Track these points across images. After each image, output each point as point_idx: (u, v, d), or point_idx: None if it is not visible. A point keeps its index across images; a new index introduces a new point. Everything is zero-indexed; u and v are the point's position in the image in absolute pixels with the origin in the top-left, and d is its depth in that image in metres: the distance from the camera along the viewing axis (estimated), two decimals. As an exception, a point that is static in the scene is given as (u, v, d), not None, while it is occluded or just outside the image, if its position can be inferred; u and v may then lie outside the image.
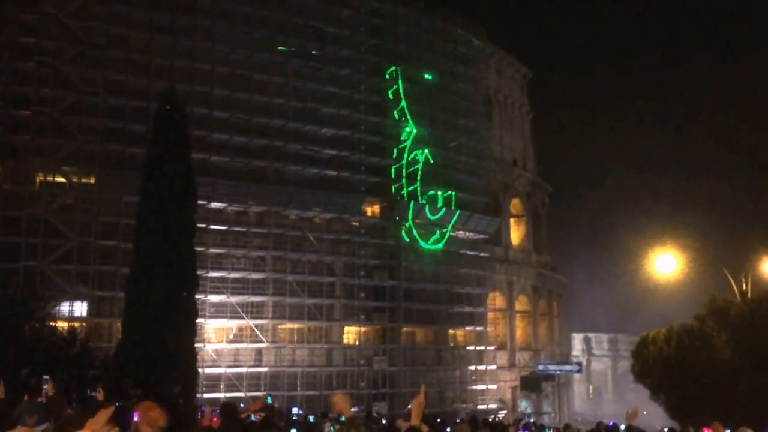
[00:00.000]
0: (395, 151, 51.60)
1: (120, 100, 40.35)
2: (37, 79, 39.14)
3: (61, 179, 40.93)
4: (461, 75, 56.44)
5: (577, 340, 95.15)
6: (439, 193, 53.55)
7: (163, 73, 40.29)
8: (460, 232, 56.26)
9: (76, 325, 37.03)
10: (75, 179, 40.85)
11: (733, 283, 32.01)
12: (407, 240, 51.99)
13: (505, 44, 66.30)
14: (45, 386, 7.99)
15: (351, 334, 51.19)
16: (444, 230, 54.03)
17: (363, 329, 51.39)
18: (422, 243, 52.74)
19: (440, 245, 53.86)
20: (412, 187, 52.22)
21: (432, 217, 53.20)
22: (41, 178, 40.56)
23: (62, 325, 34.85)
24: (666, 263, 35.85)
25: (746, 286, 31.81)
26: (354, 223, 50.56)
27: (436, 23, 55.03)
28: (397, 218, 51.81)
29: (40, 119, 38.92)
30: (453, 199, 54.15)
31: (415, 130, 52.17)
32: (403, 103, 51.90)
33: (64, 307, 38.70)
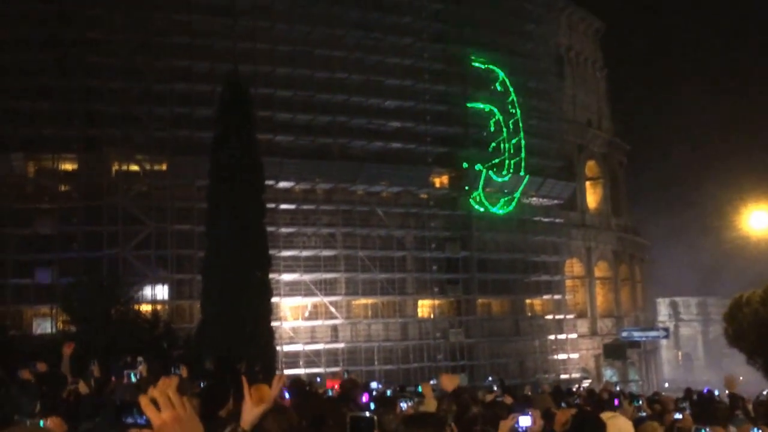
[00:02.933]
0: (462, 119, 51.22)
1: (186, 86, 41.77)
2: (107, 71, 40.86)
3: (135, 168, 42.95)
4: (530, 34, 55.16)
5: (663, 305, 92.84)
6: (509, 159, 53.04)
7: (226, 55, 41.31)
8: (534, 198, 55.58)
9: (159, 307, 39.10)
10: (148, 167, 42.78)
11: None
12: (478, 209, 51.78)
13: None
14: (139, 367, 8.76)
15: (425, 307, 51.75)
16: (513, 195, 53.57)
17: (437, 302, 51.78)
18: (491, 208, 52.37)
19: (510, 208, 53.22)
20: (480, 155, 51.86)
21: (500, 181, 52.62)
22: (117, 167, 42.70)
23: (146, 308, 36.86)
24: (760, 219, 34.66)
25: None
26: (422, 196, 50.79)
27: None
28: (467, 188, 51.63)
29: (111, 111, 40.80)
30: (523, 164, 53.54)
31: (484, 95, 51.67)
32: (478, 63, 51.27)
33: (147, 291, 40.88)
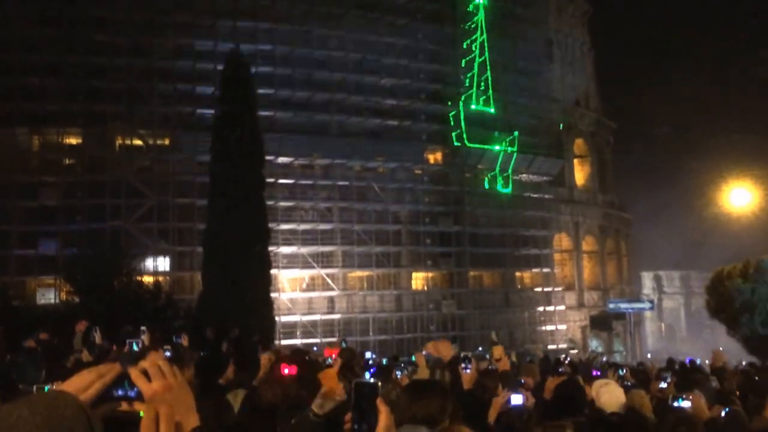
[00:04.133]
0: (456, 97, 50.99)
1: (188, 63, 41.36)
2: (111, 48, 40.36)
3: (138, 142, 42.64)
4: (520, 16, 54.86)
5: (647, 278, 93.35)
6: (499, 135, 52.84)
7: (228, 34, 40.88)
8: (524, 175, 55.68)
9: (161, 279, 39.02)
10: (151, 141, 42.49)
11: None
12: (470, 186, 51.84)
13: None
14: (142, 336, 8.69)
15: (419, 279, 51.95)
16: (505, 174, 53.45)
17: (430, 275, 52.04)
18: (487, 186, 52.30)
19: (507, 189, 53.38)
20: (472, 132, 51.71)
21: (493, 160, 52.67)
22: (120, 142, 42.40)
23: (148, 279, 36.79)
24: (740, 196, 34.54)
25: None
26: (417, 171, 50.77)
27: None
28: (460, 164, 51.56)
29: (115, 86, 40.37)
30: (516, 141, 53.39)
31: (475, 74, 51.39)
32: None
33: (149, 263, 40.81)
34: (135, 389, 1.62)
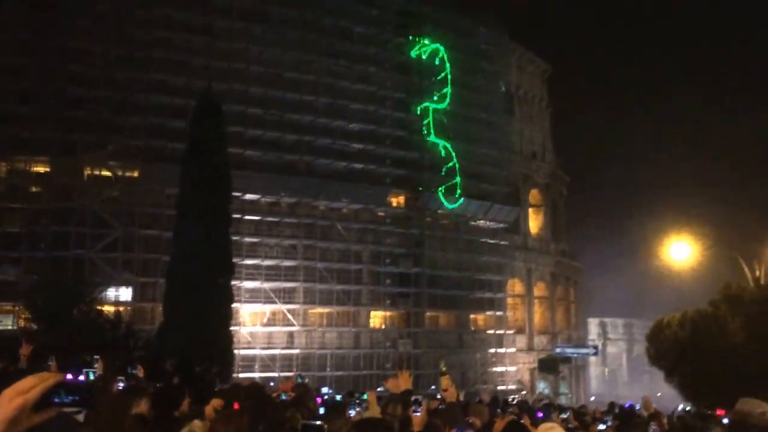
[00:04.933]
0: (420, 144, 51.85)
1: (162, 99, 41.19)
2: (86, 80, 40.00)
3: (107, 173, 42.00)
4: (483, 71, 56.42)
5: (593, 324, 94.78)
6: (460, 182, 53.56)
7: (202, 72, 40.96)
8: (481, 221, 56.50)
9: (122, 309, 38.04)
10: (120, 173, 41.90)
11: (746, 270, 31.83)
12: (431, 229, 52.45)
13: (524, 40, 65.91)
14: (96, 365, 8.46)
15: (377, 318, 51.90)
16: (464, 219, 54.20)
17: (389, 314, 52.02)
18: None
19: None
20: (435, 178, 52.45)
21: (452, 207, 53.41)
22: (89, 172, 41.70)
23: (109, 309, 35.84)
24: (680, 250, 35.48)
25: (759, 272, 31.63)
26: (380, 214, 51.14)
27: (460, 21, 54.80)
28: (422, 208, 52.15)
29: (88, 117, 39.88)
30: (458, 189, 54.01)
31: (439, 123, 52.41)
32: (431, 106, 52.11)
33: (111, 293, 39.78)
34: (70, 397, 1.69)
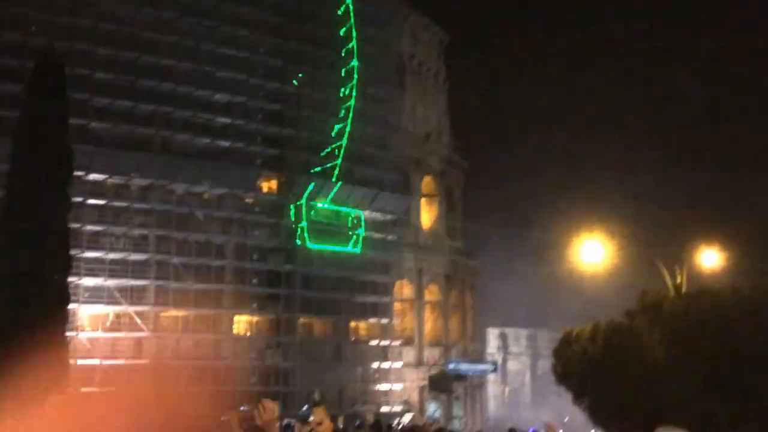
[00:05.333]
0: (297, 121, 56.38)
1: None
2: None
3: None
4: (372, 38, 61.34)
5: (493, 335, 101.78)
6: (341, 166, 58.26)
7: (41, 29, 44.00)
8: (366, 212, 61.16)
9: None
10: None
11: (666, 276, 37.18)
12: (305, 222, 56.74)
13: (420, 4, 71.71)
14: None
15: (242, 324, 56.01)
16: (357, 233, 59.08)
17: (255, 319, 56.26)
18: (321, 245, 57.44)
19: (354, 247, 59.10)
20: (314, 160, 57.07)
21: (335, 197, 58.42)
22: None
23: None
24: (592, 252, 40.07)
25: (681, 279, 36.87)
26: (248, 200, 55.38)
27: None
28: (296, 197, 56.40)
29: None
30: (358, 174, 59.53)
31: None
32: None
33: None
34: None
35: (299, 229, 56.68)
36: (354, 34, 59.53)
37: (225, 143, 53.19)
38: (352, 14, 59.50)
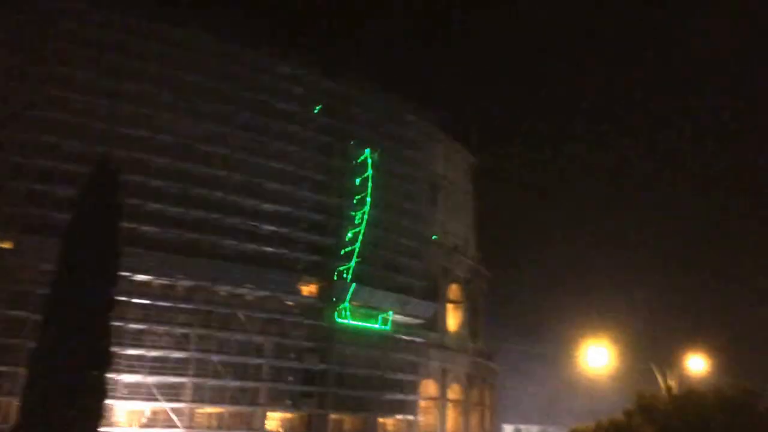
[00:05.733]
0: (338, 230, 50.71)
1: (50, 163, 38.44)
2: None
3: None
4: (409, 159, 56.66)
5: (508, 431, 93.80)
6: (378, 274, 52.71)
7: (101, 137, 38.80)
8: (398, 316, 55.16)
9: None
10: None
11: (660, 379, 32.63)
12: (342, 322, 50.51)
13: (453, 130, 67.23)
14: None
15: (274, 420, 48.68)
16: (384, 315, 52.87)
17: (288, 415, 49.00)
18: (361, 324, 51.17)
19: (386, 326, 52.82)
20: (351, 268, 51.10)
21: (369, 300, 52.13)
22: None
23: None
24: (597, 356, 36.10)
25: (672, 381, 32.58)
26: (288, 303, 48.93)
27: (389, 107, 55.33)
28: (334, 299, 50.39)
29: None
30: (391, 282, 53.40)
31: (361, 212, 51.81)
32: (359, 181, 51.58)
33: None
34: None
35: (335, 331, 49.74)
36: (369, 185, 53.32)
37: (269, 249, 47.22)
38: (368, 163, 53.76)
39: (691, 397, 31.41)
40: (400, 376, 53.75)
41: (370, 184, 52.34)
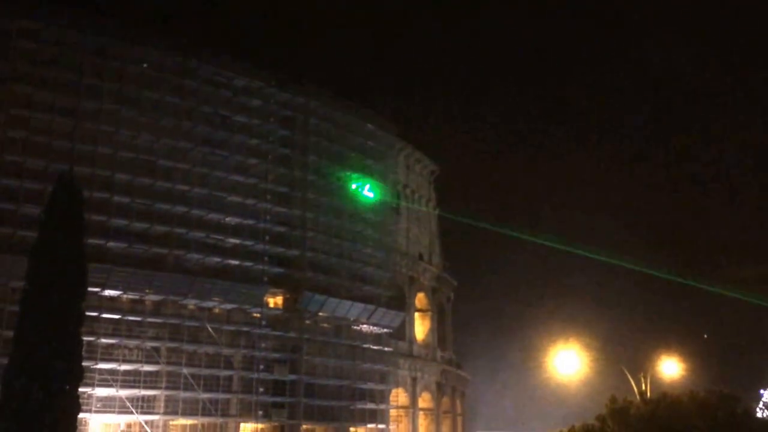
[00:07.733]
0: (302, 242, 53.18)
1: (15, 182, 40.50)
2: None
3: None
4: (370, 168, 59.38)
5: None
6: (344, 285, 55.39)
7: (64, 155, 41.01)
8: (365, 326, 57.71)
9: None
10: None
11: (633, 383, 34.04)
12: (310, 333, 52.97)
13: (413, 139, 70.22)
14: None
15: (247, 431, 50.80)
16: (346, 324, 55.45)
17: (260, 426, 51.18)
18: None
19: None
20: (316, 279, 53.54)
21: (336, 310, 54.65)
22: None
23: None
24: (567, 361, 37.44)
25: (645, 386, 33.77)
26: (255, 315, 51.13)
27: (348, 117, 58.15)
28: (301, 309, 52.79)
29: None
30: (357, 292, 56.01)
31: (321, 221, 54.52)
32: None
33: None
34: None
35: (303, 342, 52.54)
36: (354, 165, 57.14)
37: (234, 262, 49.52)
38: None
39: (664, 401, 33.01)
40: (370, 385, 56.14)
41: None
